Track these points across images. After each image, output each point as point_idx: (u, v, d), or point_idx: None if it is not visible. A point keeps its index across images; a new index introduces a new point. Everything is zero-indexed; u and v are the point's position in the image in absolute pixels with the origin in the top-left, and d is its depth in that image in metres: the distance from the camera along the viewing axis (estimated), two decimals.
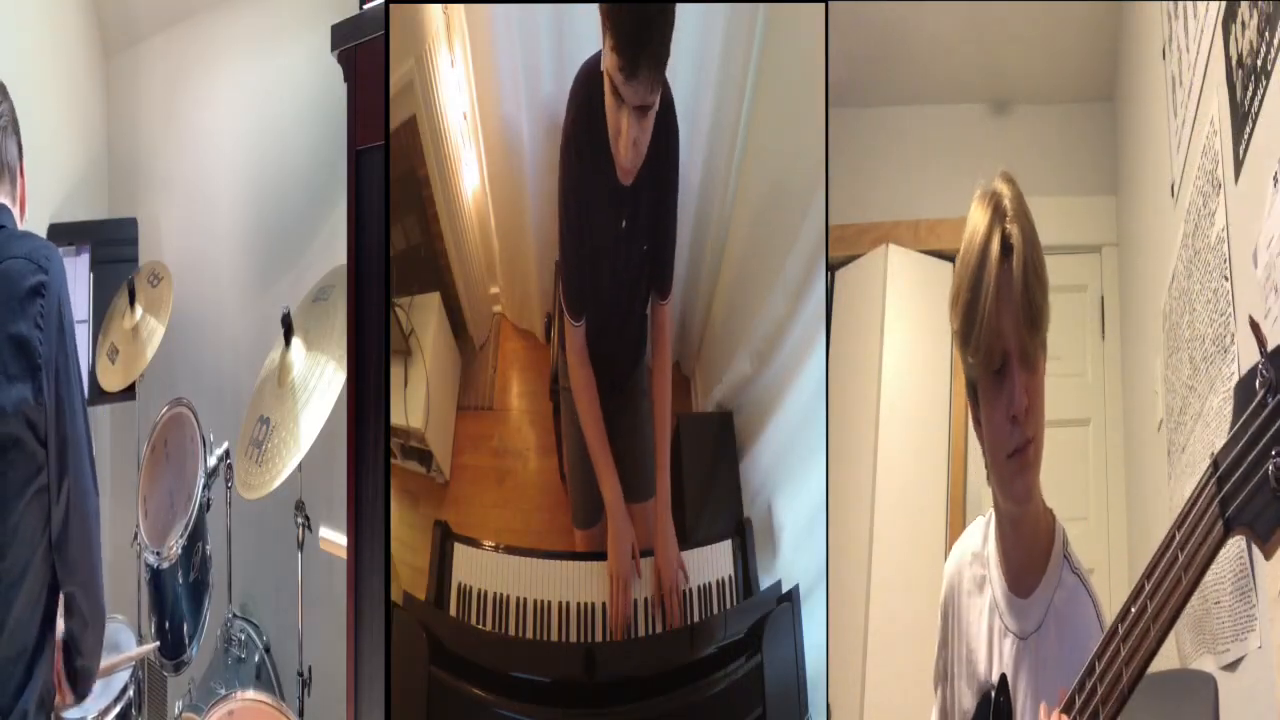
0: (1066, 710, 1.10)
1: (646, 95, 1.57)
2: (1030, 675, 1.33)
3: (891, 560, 2.85)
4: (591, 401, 1.79)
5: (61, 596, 1.82)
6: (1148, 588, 0.95)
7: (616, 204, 1.72)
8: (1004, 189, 1.32)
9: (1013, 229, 1.27)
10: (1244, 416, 0.86)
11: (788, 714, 1.76)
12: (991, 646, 1.41)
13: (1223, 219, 1.65)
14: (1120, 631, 1.00)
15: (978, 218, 1.31)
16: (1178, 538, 0.92)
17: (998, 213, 1.29)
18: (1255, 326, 0.90)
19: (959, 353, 1.35)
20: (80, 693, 1.90)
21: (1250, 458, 0.84)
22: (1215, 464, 0.89)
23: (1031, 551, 1.37)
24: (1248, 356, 1.44)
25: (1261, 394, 0.84)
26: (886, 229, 3.07)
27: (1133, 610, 0.98)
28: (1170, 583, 0.93)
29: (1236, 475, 0.86)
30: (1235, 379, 1.55)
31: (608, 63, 1.58)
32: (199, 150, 3.33)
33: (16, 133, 1.95)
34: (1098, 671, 1.04)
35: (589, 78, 1.65)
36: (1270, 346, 0.87)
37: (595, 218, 1.74)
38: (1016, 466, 1.30)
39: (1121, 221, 2.87)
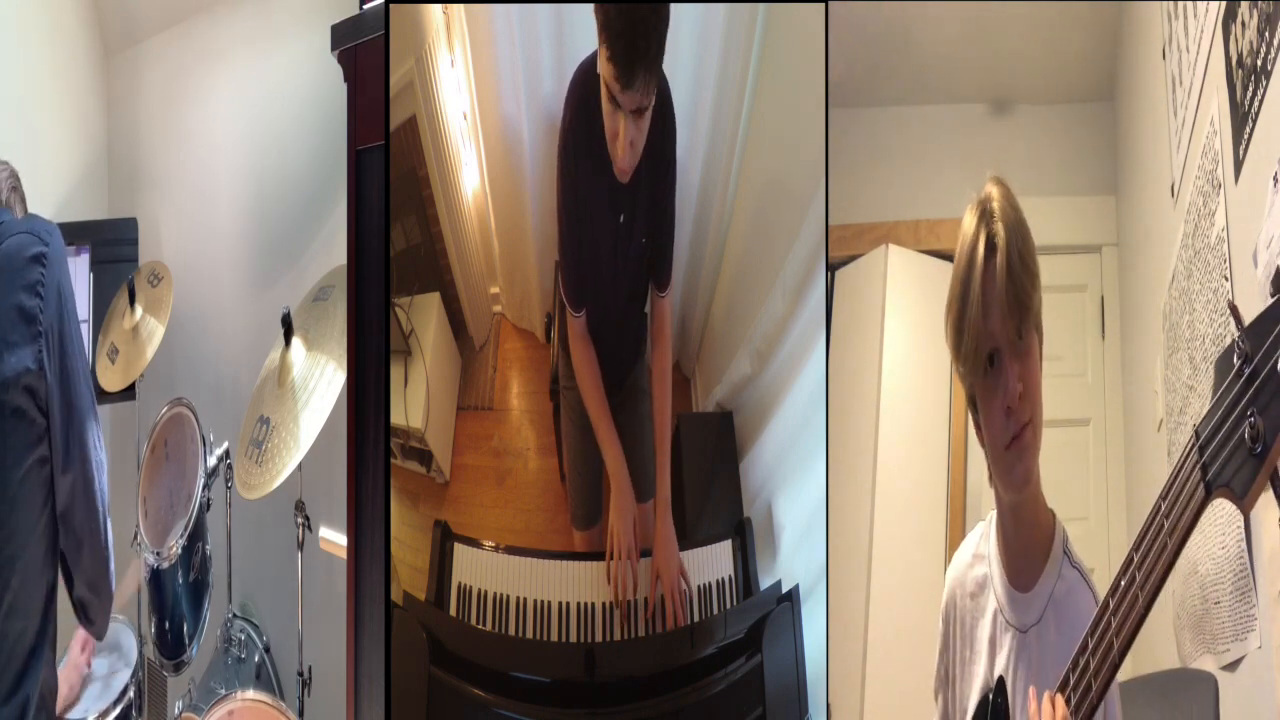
0: (1062, 688, 1.11)
1: (642, 100, 1.59)
2: (1029, 668, 1.34)
3: (891, 560, 2.85)
4: (593, 376, 1.79)
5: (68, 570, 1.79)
6: (1135, 559, 1.00)
7: (615, 200, 1.72)
8: (993, 191, 1.34)
9: (997, 227, 1.30)
10: (1222, 388, 0.91)
11: (788, 714, 1.76)
12: (993, 642, 1.42)
13: (1223, 219, 1.65)
14: (1111, 605, 1.04)
15: (967, 224, 1.34)
16: (1162, 508, 0.97)
17: (984, 216, 1.32)
18: (1233, 308, 0.94)
19: (954, 363, 1.37)
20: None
21: (1228, 423, 0.90)
22: (1196, 434, 0.94)
23: (1032, 545, 1.38)
24: None
25: (1238, 364, 0.89)
26: (886, 229, 3.08)
27: (1122, 583, 1.02)
28: (1156, 550, 0.97)
29: (1216, 440, 0.91)
30: None
31: (604, 70, 1.58)
32: (199, 150, 3.33)
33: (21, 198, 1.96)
34: (1090, 646, 1.07)
35: (585, 77, 1.66)
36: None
37: (594, 214, 1.74)
38: (1015, 453, 1.32)
39: (1121, 221, 2.87)
